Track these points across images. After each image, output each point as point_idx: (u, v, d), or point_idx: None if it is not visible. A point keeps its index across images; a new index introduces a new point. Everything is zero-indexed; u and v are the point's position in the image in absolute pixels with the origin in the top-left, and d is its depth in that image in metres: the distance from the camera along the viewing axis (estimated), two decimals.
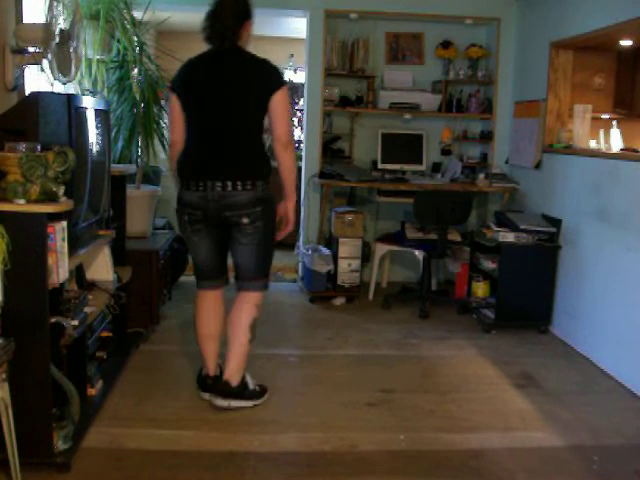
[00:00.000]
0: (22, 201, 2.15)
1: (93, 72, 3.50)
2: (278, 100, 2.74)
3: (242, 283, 2.90)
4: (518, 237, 4.14)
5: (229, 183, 2.72)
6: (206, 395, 2.97)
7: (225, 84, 2.75)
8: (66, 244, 2.33)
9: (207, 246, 2.87)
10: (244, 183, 2.72)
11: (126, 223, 3.53)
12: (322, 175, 4.86)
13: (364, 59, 4.96)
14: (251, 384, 2.98)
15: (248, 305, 2.90)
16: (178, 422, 2.78)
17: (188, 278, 4.52)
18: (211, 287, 2.97)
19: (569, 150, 4.15)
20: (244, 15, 2.77)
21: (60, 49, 2.74)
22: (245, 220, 2.74)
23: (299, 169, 5.50)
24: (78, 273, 2.86)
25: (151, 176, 4.35)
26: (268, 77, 2.76)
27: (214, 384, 2.96)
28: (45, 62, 2.70)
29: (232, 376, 2.89)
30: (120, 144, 4.02)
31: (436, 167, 5.16)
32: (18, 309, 2.19)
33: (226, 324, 2.95)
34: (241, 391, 2.91)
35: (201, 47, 2.84)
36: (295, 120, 7.26)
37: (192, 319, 3.06)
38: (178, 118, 2.82)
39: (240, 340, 2.87)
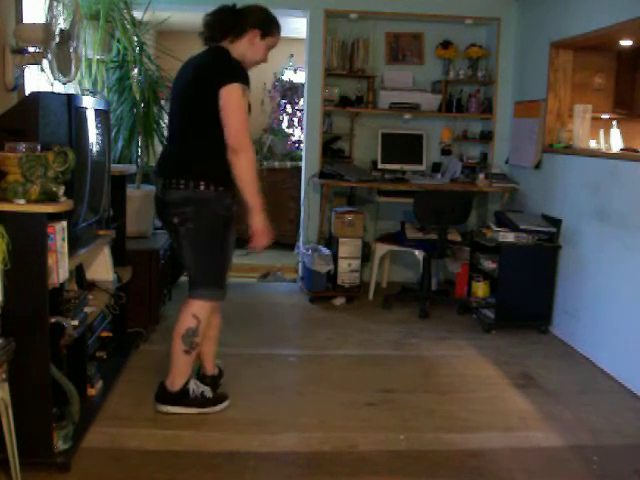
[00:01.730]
0: (22, 201, 2.15)
1: (93, 72, 3.50)
2: (224, 98, 2.54)
3: (188, 287, 2.79)
4: (518, 237, 4.14)
5: (165, 181, 2.65)
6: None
7: (182, 83, 2.72)
8: (66, 244, 2.33)
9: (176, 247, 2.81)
10: (177, 182, 2.61)
11: (126, 223, 3.53)
12: (322, 175, 4.86)
13: (364, 59, 4.96)
14: (196, 391, 2.85)
15: (184, 313, 2.75)
16: (178, 422, 2.77)
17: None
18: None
19: (569, 150, 4.15)
20: (239, 25, 2.70)
21: (60, 49, 2.74)
22: (175, 220, 2.65)
23: (299, 169, 5.52)
24: (78, 273, 2.86)
25: (151, 176, 4.35)
26: (216, 73, 2.61)
27: (210, 383, 2.97)
28: (45, 62, 2.70)
29: (171, 382, 2.82)
30: (120, 144, 4.02)
31: (436, 167, 5.16)
32: (18, 309, 2.19)
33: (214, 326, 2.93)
34: (179, 398, 2.81)
35: (201, 47, 2.85)
36: (295, 120, 7.26)
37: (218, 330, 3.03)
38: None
39: (174, 347, 2.77)
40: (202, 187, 2.61)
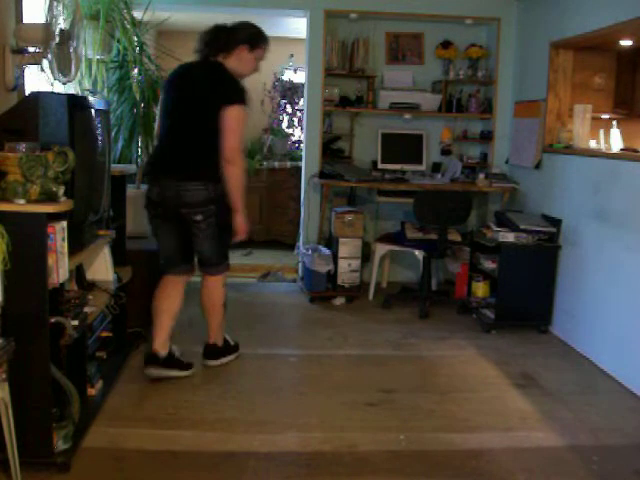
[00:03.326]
0: (22, 201, 2.15)
1: (93, 72, 3.50)
2: (227, 117, 2.92)
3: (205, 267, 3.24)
4: (518, 237, 4.14)
5: (180, 183, 2.99)
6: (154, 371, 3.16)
7: (186, 92, 3.06)
8: (66, 244, 2.33)
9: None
10: (197, 184, 2.99)
11: (126, 223, 3.53)
12: (322, 175, 4.86)
13: (364, 59, 4.96)
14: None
15: (215, 287, 3.28)
16: (178, 422, 2.78)
17: None
18: (174, 273, 3.23)
19: (569, 150, 4.15)
20: (229, 43, 3.07)
21: (60, 49, 2.74)
22: (199, 217, 3.02)
23: (299, 169, 5.52)
24: (78, 273, 2.86)
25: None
26: (222, 91, 2.97)
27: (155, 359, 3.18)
28: (45, 62, 2.71)
29: (216, 339, 3.39)
30: (120, 144, 4.02)
31: (436, 167, 5.16)
32: (18, 309, 2.19)
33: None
34: (226, 350, 3.45)
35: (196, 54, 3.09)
36: (295, 120, 7.26)
37: (180, 309, 3.29)
38: (160, 114, 3.21)
39: (215, 313, 3.33)
40: (218, 188, 3.00)
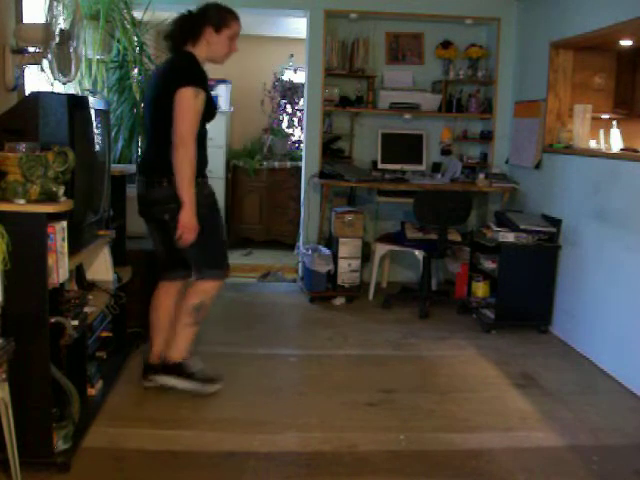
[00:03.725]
0: (22, 201, 2.15)
1: (93, 72, 3.50)
2: (176, 100, 2.71)
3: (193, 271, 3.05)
4: (518, 237, 4.14)
5: (147, 180, 2.89)
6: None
7: (151, 90, 2.95)
8: (66, 244, 2.33)
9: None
10: (160, 181, 2.83)
11: (126, 223, 3.53)
12: (322, 175, 4.86)
13: (364, 59, 4.96)
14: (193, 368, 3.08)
15: (190, 292, 3.01)
16: (178, 422, 2.78)
17: None
18: (164, 279, 3.13)
19: (569, 150, 4.15)
20: (194, 28, 2.86)
21: (60, 49, 2.74)
22: (166, 217, 2.84)
23: (299, 169, 5.52)
24: (78, 273, 2.86)
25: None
26: (172, 78, 2.78)
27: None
28: (45, 62, 2.71)
29: (169, 354, 3.02)
30: (120, 144, 4.02)
31: (436, 167, 5.16)
32: (18, 309, 2.19)
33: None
34: (174, 370, 3.04)
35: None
36: (295, 120, 7.26)
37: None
38: None
39: (178, 322, 3.01)
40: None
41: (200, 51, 2.87)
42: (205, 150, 2.95)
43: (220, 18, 2.87)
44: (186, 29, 2.87)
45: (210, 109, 2.87)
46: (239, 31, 2.94)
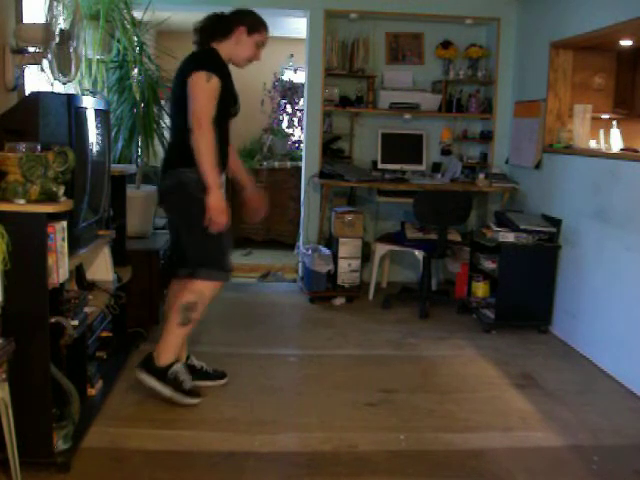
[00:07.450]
0: (22, 201, 2.15)
1: (93, 72, 3.50)
2: (189, 85, 2.72)
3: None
4: (518, 237, 4.14)
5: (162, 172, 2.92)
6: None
7: (173, 85, 2.94)
8: (66, 244, 2.33)
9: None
10: (165, 171, 2.88)
11: (126, 223, 3.53)
12: (322, 175, 4.86)
13: (364, 59, 4.96)
14: (179, 376, 2.93)
15: (184, 290, 2.89)
16: (178, 422, 2.78)
17: None
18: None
19: (569, 150, 4.15)
20: (225, 26, 2.91)
21: (60, 49, 2.74)
22: (164, 207, 2.96)
23: (299, 169, 5.52)
24: (78, 273, 2.86)
25: (151, 176, 4.34)
26: (186, 67, 2.81)
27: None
28: (45, 62, 2.70)
29: (157, 355, 2.88)
30: (120, 144, 4.02)
31: (436, 167, 5.16)
32: (18, 309, 2.19)
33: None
34: (160, 373, 2.88)
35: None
36: (295, 120, 7.26)
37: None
38: None
39: (168, 321, 2.92)
40: (186, 173, 2.78)
41: (225, 48, 2.89)
42: (226, 146, 2.93)
43: (255, 22, 2.94)
44: (218, 25, 2.91)
45: (230, 102, 2.88)
46: (266, 43, 3.00)
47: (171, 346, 2.88)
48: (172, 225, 3.08)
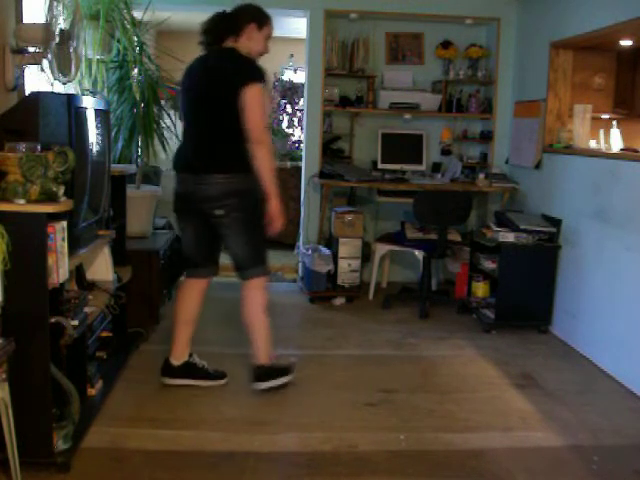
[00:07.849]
0: (22, 201, 2.15)
1: (93, 72, 3.50)
2: (247, 97, 2.80)
3: (240, 273, 3.06)
4: (518, 237, 4.14)
5: (203, 176, 2.90)
6: (169, 380, 3.11)
7: (202, 85, 2.94)
8: (66, 244, 2.33)
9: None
10: (209, 172, 2.89)
11: (126, 223, 3.53)
12: (322, 175, 4.86)
13: (364, 59, 4.96)
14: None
15: (254, 293, 3.05)
16: (178, 422, 2.78)
17: None
18: (194, 276, 3.14)
19: (569, 150, 4.15)
20: (235, 25, 2.95)
21: (60, 49, 2.74)
22: (218, 212, 2.90)
23: (299, 169, 5.52)
24: (78, 273, 2.86)
25: (151, 176, 4.34)
26: (239, 74, 2.85)
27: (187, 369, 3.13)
28: (45, 62, 2.71)
29: (263, 357, 3.08)
30: (120, 144, 4.01)
31: (436, 167, 5.16)
32: (18, 309, 2.19)
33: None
34: (276, 371, 3.13)
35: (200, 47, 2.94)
36: (295, 120, 7.26)
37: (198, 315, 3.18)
38: (181, 114, 3.13)
39: (258, 324, 3.07)
40: (247, 179, 2.89)
41: (242, 47, 2.94)
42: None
43: (262, 16, 3.00)
44: (227, 25, 2.95)
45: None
46: (272, 34, 3.06)
47: (263, 342, 3.08)
48: (206, 228, 3.00)
